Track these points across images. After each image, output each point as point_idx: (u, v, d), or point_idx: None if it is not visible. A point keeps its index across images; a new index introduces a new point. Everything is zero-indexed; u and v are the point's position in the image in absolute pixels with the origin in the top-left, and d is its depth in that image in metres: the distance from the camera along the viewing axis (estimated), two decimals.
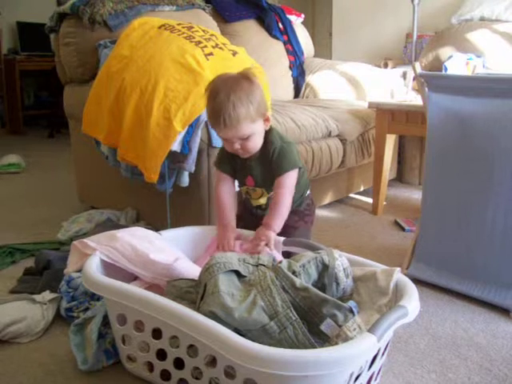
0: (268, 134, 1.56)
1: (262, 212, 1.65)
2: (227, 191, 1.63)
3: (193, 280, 1.29)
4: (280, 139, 1.56)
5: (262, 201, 1.64)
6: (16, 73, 5.50)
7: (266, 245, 1.46)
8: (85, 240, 1.39)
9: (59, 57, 2.55)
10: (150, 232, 1.53)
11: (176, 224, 1.70)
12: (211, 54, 2.08)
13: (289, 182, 1.53)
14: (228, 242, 1.52)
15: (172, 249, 1.49)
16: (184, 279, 1.29)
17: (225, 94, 1.41)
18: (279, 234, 1.53)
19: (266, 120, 1.53)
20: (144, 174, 1.97)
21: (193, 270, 1.37)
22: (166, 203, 2.03)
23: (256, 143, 1.52)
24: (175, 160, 1.95)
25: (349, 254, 1.37)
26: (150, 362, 1.25)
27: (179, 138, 1.90)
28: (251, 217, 1.68)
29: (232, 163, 1.62)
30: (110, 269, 1.35)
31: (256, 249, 1.44)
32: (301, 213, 1.68)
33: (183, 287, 1.25)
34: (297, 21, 3.61)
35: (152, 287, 1.35)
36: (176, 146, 1.91)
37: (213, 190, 2.04)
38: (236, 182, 1.68)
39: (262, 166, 1.57)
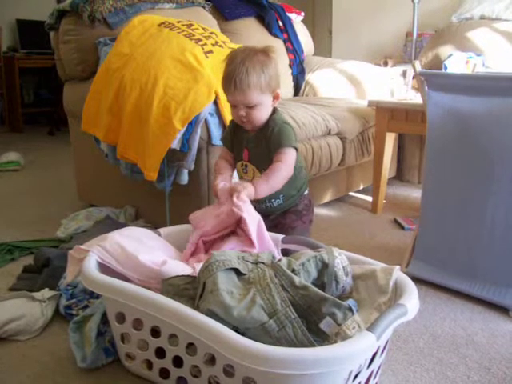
0: (273, 113, 1.60)
1: (257, 205, 1.63)
2: (224, 160, 1.68)
3: (189, 276, 1.29)
4: (282, 120, 1.60)
5: None
6: (16, 70, 5.49)
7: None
8: (78, 246, 1.39)
9: (59, 54, 2.55)
10: (142, 230, 1.52)
11: (175, 222, 1.70)
12: (211, 51, 2.08)
13: (286, 157, 1.54)
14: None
15: (166, 247, 1.49)
16: (180, 276, 1.29)
17: (241, 59, 1.49)
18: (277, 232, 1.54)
19: (276, 97, 1.58)
20: (143, 172, 1.97)
21: (181, 271, 1.37)
22: (165, 201, 2.03)
23: (261, 115, 1.55)
24: (174, 158, 1.95)
25: (348, 252, 1.37)
26: (148, 360, 1.25)
27: (178, 136, 1.90)
28: None
29: (233, 137, 1.68)
30: (108, 267, 1.35)
31: (235, 192, 1.45)
32: (298, 212, 1.68)
33: (180, 284, 1.25)
34: (297, 19, 3.60)
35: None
36: (175, 144, 1.91)
37: (212, 189, 2.04)
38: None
39: (259, 142, 1.59)
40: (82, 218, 2.31)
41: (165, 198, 2.03)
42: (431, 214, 1.87)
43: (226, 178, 1.61)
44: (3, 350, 1.44)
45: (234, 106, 1.56)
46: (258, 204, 1.64)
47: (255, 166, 1.62)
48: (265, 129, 1.58)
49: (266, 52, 1.53)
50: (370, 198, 2.83)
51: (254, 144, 1.61)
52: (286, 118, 1.65)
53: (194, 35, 2.15)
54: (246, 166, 1.65)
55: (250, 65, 1.48)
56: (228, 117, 1.92)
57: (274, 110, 1.61)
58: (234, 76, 1.48)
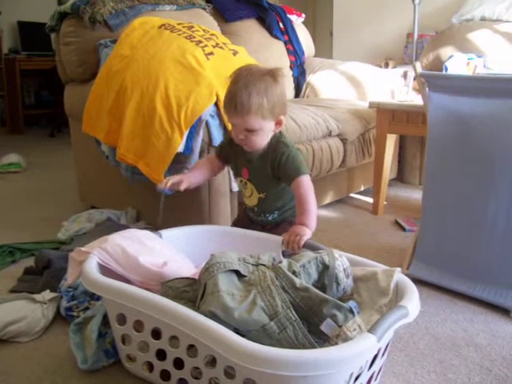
0: (281, 137, 1.57)
1: (254, 216, 1.68)
2: (206, 166, 1.71)
3: (188, 278, 1.29)
4: (292, 145, 1.56)
5: (254, 200, 1.64)
6: (17, 72, 5.51)
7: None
8: (79, 248, 1.39)
9: (60, 56, 2.55)
10: (143, 232, 1.52)
11: (175, 224, 1.70)
12: (212, 53, 2.08)
13: (307, 183, 1.52)
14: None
15: (166, 248, 1.49)
16: (179, 278, 1.29)
17: (245, 81, 1.43)
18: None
19: (278, 123, 1.53)
20: (149, 175, 1.96)
21: (182, 273, 1.37)
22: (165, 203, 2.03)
23: (261, 140, 1.52)
24: (177, 161, 1.95)
25: (349, 253, 1.37)
26: (149, 361, 1.25)
27: (185, 139, 1.90)
28: (247, 220, 1.71)
29: (229, 151, 1.65)
30: (109, 269, 1.35)
31: (296, 242, 1.42)
32: (292, 222, 1.67)
33: (179, 287, 1.25)
34: (297, 20, 3.61)
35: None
36: (180, 147, 1.91)
37: (213, 191, 2.04)
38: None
39: (262, 164, 1.57)
40: (83, 220, 2.31)
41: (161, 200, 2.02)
42: (432, 216, 1.87)
43: (190, 180, 1.63)
44: (4, 351, 1.44)
45: (234, 125, 1.52)
46: (254, 215, 1.68)
47: (254, 186, 1.62)
48: (271, 153, 1.55)
49: (273, 75, 1.46)
50: (370, 200, 2.83)
51: (256, 165, 1.58)
52: (293, 142, 1.61)
53: (194, 37, 2.15)
54: (246, 183, 1.63)
55: (253, 88, 1.42)
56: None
57: (282, 133, 1.58)
58: (235, 98, 1.42)
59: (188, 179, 1.63)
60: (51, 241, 2.23)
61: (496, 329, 1.57)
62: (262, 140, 1.52)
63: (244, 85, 1.42)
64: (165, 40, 2.11)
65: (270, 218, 1.66)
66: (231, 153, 1.65)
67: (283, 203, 1.64)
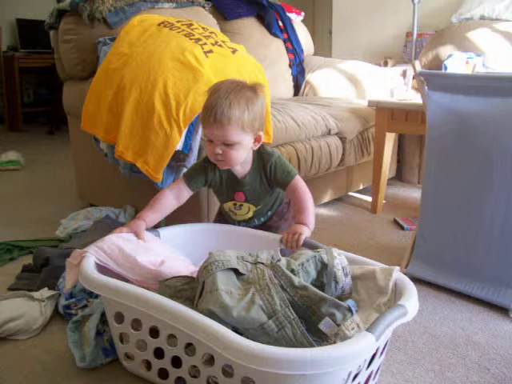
0: (261, 148, 1.54)
1: (246, 225, 1.67)
2: (172, 198, 1.54)
3: (186, 277, 1.29)
4: (272, 153, 1.55)
5: (250, 214, 1.64)
6: (15, 70, 5.49)
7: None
8: (76, 250, 1.38)
9: (59, 54, 2.55)
10: None
11: (174, 222, 1.69)
12: (211, 51, 2.07)
13: (301, 183, 1.52)
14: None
15: (164, 247, 1.48)
16: (177, 277, 1.29)
17: (225, 91, 1.39)
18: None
19: (257, 140, 1.48)
20: (148, 173, 1.95)
21: (180, 271, 1.37)
22: None
23: (238, 156, 1.45)
24: (176, 159, 1.95)
25: (348, 252, 1.37)
26: (147, 360, 1.25)
27: (183, 138, 1.90)
28: None
29: (211, 179, 1.57)
30: (106, 268, 1.35)
31: (295, 241, 1.42)
32: (279, 213, 1.69)
33: (177, 285, 1.25)
34: (297, 19, 3.60)
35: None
36: (179, 146, 1.90)
37: (212, 190, 2.03)
38: None
39: (256, 182, 1.56)
40: (81, 218, 2.31)
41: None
42: (431, 214, 1.87)
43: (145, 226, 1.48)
44: (2, 349, 1.44)
45: (209, 141, 1.44)
46: (246, 224, 1.67)
47: (252, 204, 1.61)
48: (261, 167, 1.54)
49: (254, 89, 1.43)
50: (369, 198, 2.83)
51: (251, 186, 1.56)
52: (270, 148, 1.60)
53: (193, 35, 2.14)
54: (241, 205, 1.61)
55: (234, 98, 1.37)
56: None
57: (261, 145, 1.54)
58: (215, 107, 1.36)
59: (146, 224, 1.49)
60: (49, 238, 2.23)
61: (494, 328, 1.58)
62: (240, 156, 1.46)
63: (225, 95, 1.38)
64: (164, 38, 2.11)
65: (262, 220, 1.68)
66: (214, 181, 1.58)
67: (273, 203, 1.66)
